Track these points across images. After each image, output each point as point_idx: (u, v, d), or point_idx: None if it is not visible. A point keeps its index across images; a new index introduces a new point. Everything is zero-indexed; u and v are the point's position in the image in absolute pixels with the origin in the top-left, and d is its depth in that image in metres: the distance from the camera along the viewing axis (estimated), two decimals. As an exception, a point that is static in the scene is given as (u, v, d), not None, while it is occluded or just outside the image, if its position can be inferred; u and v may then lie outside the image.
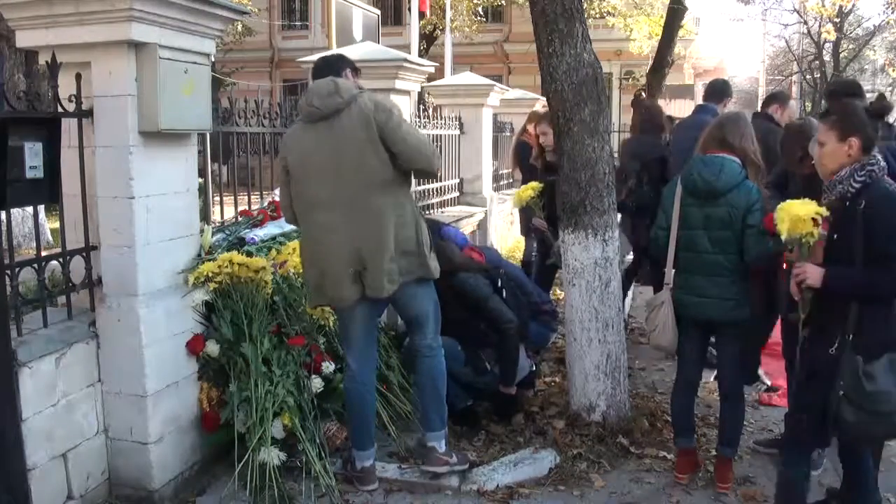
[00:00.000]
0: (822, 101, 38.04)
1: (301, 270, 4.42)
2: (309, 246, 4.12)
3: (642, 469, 4.54)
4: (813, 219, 3.37)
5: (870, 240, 3.28)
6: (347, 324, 4.24)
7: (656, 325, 4.37)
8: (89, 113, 3.83)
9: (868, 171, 3.34)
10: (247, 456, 4.04)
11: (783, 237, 3.46)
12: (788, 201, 3.50)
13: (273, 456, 4.04)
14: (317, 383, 4.37)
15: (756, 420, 5.38)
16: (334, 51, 6.76)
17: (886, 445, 4.20)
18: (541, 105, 8.90)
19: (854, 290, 3.36)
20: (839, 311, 3.37)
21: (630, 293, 8.24)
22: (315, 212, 4.02)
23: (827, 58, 38.52)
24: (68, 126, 3.81)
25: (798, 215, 3.39)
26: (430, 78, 7.99)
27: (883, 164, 3.40)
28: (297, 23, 32.33)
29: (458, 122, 9.28)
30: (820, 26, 33.59)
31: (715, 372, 4.87)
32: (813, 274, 3.41)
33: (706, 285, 4.22)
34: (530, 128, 7.25)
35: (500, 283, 5.04)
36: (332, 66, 4.28)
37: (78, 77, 3.77)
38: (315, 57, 6.98)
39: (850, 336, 3.30)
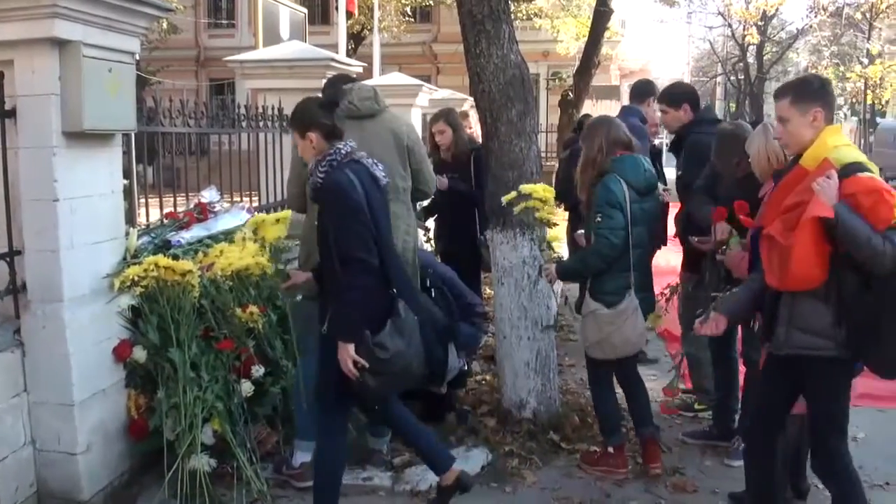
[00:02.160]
0: (747, 102, 39.16)
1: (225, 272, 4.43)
2: None
3: (573, 464, 4.60)
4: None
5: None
6: None
7: (635, 333, 4.38)
8: (12, 113, 3.74)
9: (329, 161, 3.57)
10: (176, 463, 3.97)
11: None
12: None
13: (203, 463, 3.99)
14: (247, 387, 4.32)
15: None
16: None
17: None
18: (469, 105, 8.96)
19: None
20: (328, 293, 3.66)
21: (559, 290, 8.32)
22: None
23: (751, 60, 39.48)
24: (-10, 126, 3.72)
25: None
26: (359, 78, 7.97)
27: (346, 150, 3.62)
28: (224, 21, 31.89)
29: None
30: (744, 29, 34.39)
31: None
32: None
33: (648, 279, 4.45)
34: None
35: (427, 283, 5.05)
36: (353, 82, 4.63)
37: (0, 76, 3.67)
38: (241, 56, 6.95)
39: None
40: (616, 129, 4.49)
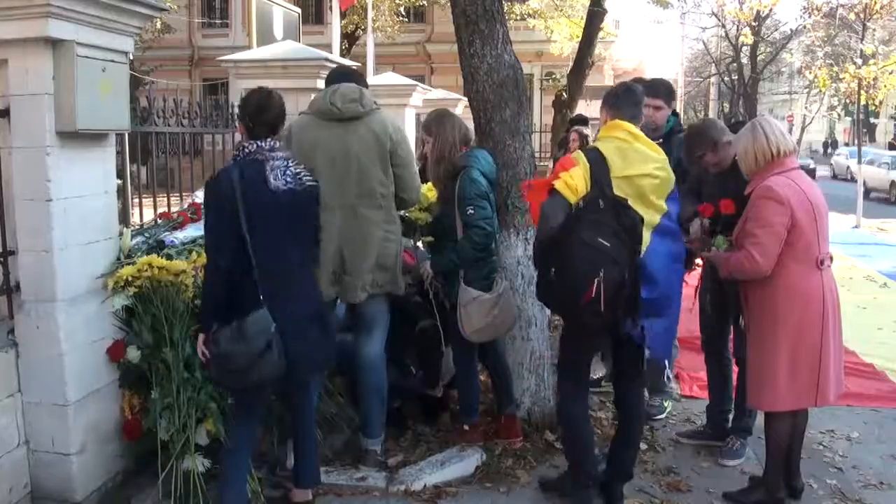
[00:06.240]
0: (741, 103, 39.22)
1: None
2: None
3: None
4: None
5: None
6: None
7: (512, 312, 4.73)
8: (5, 112, 3.73)
9: (233, 157, 3.81)
10: (170, 464, 3.97)
11: None
12: None
13: (197, 463, 3.98)
14: (241, 387, 4.32)
15: (678, 412, 5.50)
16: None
17: (807, 433, 4.34)
18: (463, 105, 8.94)
19: None
20: None
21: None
22: None
23: (745, 60, 39.58)
24: (-17, 126, 3.70)
25: None
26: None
27: (251, 149, 3.69)
28: (217, 21, 31.87)
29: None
30: (738, 30, 34.44)
31: None
32: None
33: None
34: None
35: (425, 286, 5.05)
36: (353, 76, 4.59)
37: (-7, 75, 3.66)
38: (235, 56, 6.94)
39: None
40: (462, 123, 4.74)
